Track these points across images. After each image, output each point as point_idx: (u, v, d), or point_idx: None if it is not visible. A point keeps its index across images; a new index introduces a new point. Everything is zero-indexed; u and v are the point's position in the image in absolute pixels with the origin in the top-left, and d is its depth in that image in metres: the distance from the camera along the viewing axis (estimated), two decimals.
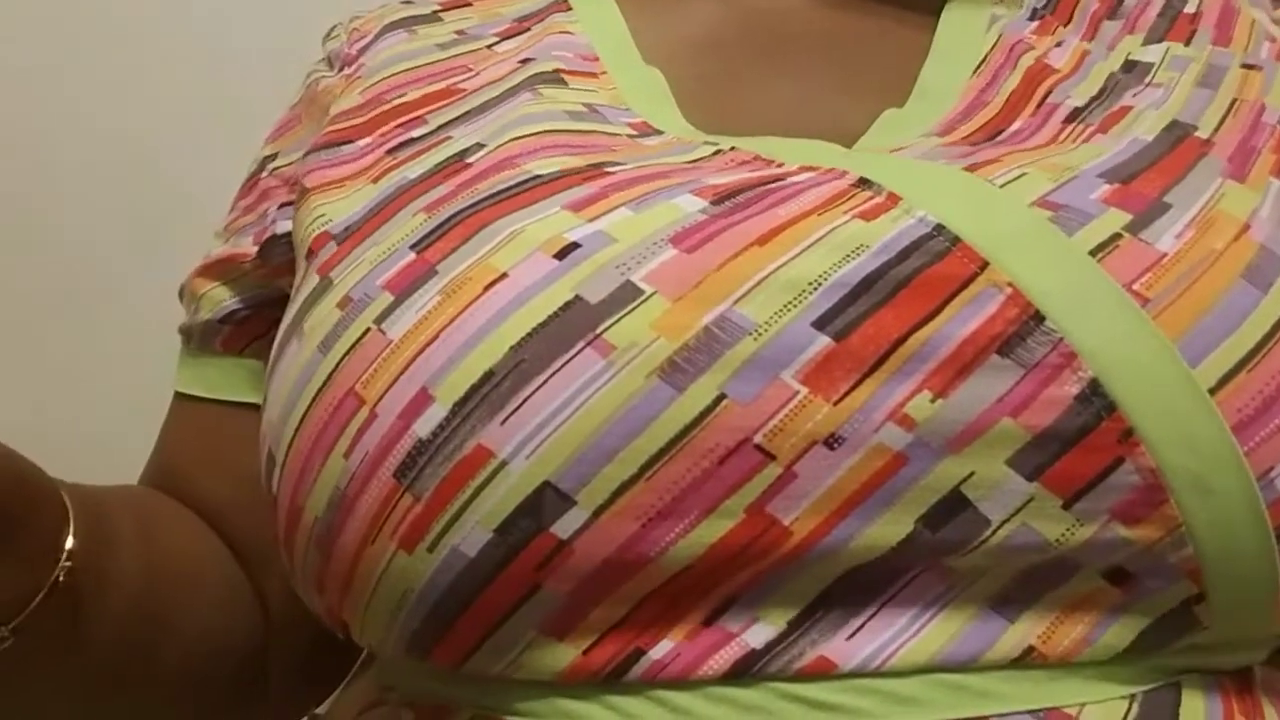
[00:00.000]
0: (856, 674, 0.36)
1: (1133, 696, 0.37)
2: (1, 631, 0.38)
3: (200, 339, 0.54)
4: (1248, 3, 0.49)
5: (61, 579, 0.40)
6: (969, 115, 0.45)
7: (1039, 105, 0.45)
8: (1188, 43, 0.47)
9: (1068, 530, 0.35)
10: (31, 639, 0.39)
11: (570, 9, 0.54)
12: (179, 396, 0.55)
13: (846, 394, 0.34)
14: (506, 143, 0.44)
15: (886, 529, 0.35)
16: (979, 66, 0.48)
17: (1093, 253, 0.36)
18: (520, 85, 0.48)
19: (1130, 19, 0.49)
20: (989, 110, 0.45)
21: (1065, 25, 0.50)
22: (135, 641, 0.45)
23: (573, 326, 0.35)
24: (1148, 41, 0.48)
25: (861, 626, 0.36)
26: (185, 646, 0.48)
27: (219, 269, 0.53)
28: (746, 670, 0.36)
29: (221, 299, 0.53)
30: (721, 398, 0.34)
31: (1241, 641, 0.38)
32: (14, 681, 0.41)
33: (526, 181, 0.41)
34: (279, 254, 0.51)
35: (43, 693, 0.44)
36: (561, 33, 0.52)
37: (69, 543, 0.40)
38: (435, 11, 0.55)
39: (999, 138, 0.43)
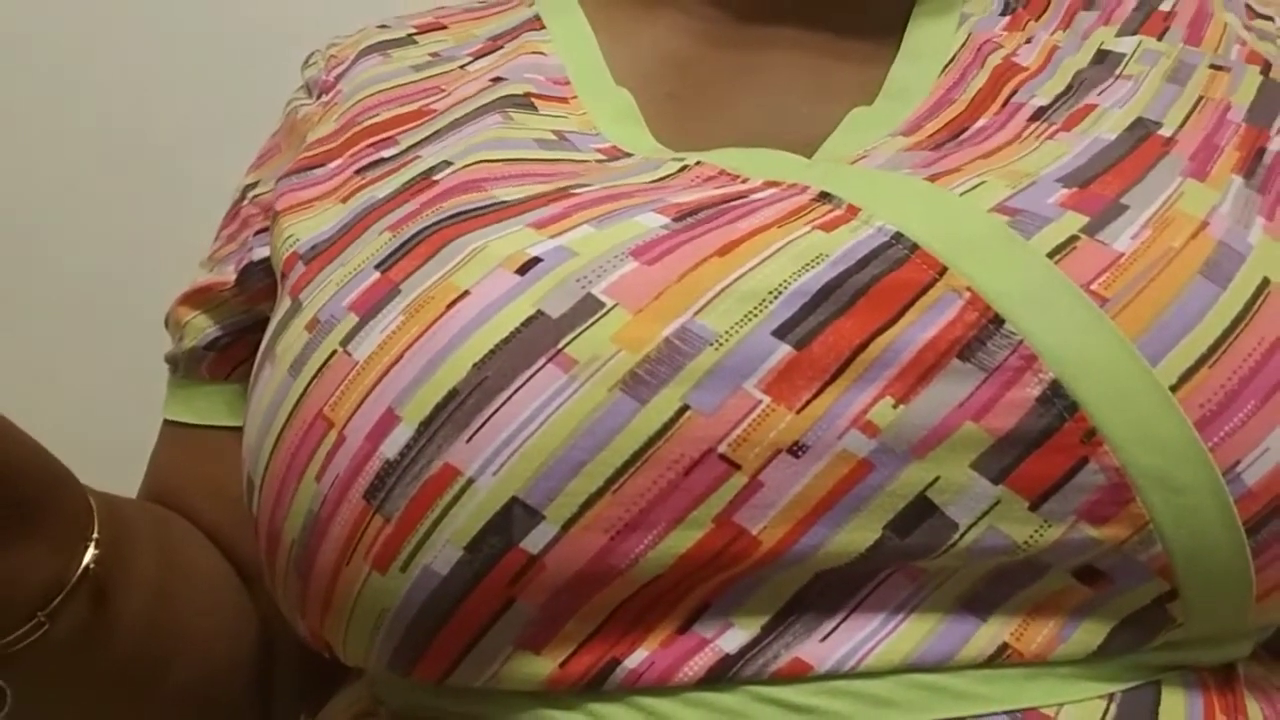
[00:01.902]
0: (831, 675, 0.36)
1: (1111, 696, 0.37)
2: (38, 617, 0.39)
3: (186, 367, 0.54)
4: (1221, 6, 0.50)
5: (92, 566, 0.40)
6: (935, 113, 0.46)
7: (1004, 104, 0.45)
8: (1160, 37, 0.48)
9: (1036, 532, 0.35)
10: (61, 630, 0.39)
11: (543, 27, 0.54)
12: (168, 424, 0.56)
13: (809, 402, 0.35)
14: (474, 164, 0.44)
15: (854, 535, 0.35)
16: (947, 65, 0.48)
17: (1050, 255, 0.36)
18: (491, 105, 0.48)
19: (1106, 10, 0.49)
20: (955, 108, 0.46)
21: (1037, 20, 0.50)
22: (152, 645, 0.45)
23: (534, 342, 0.35)
24: (1121, 33, 0.48)
25: (835, 628, 0.36)
26: (199, 654, 0.48)
27: (199, 297, 0.54)
28: (722, 675, 0.36)
29: (204, 327, 0.53)
30: (685, 409, 0.35)
31: (1220, 636, 0.38)
32: (39, 680, 0.41)
33: (492, 205, 0.41)
34: (257, 280, 0.51)
35: (64, 696, 0.44)
36: (534, 53, 0.52)
37: (95, 533, 0.41)
38: (410, 34, 0.56)
39: (962, 136, 0.44)
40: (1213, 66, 0.46)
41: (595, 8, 0.54)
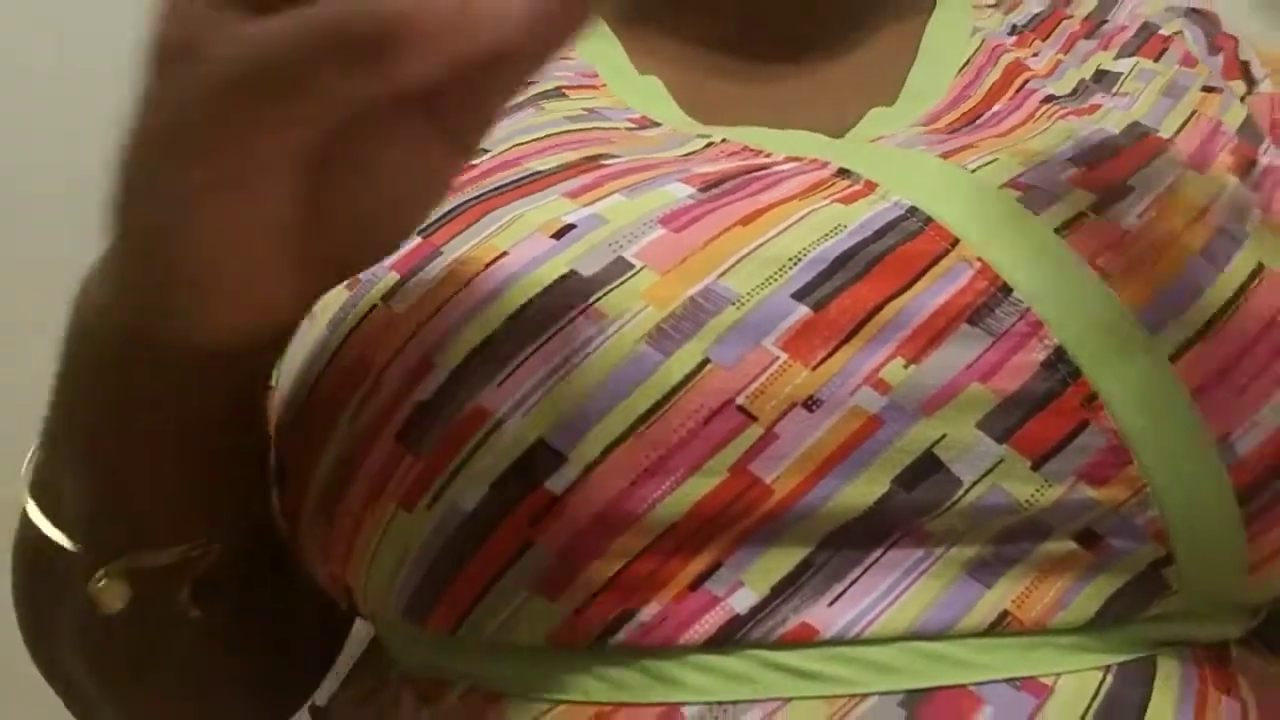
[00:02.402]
0: (836, 641, 0.37)
1: (1108, 668, 0.38)
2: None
3: None
4: (1202, 56, 0.52)
5: None
6: (953, 108, 0.48)
7: (1017, 91, 0.48)
8: (1157, 59, 0.50)
9: (1037, 491, 0.37)
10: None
11: None
12: None
13: (824, 360, 0.36)
14: (510, 148, 0.46)
15: (863, 488, 0.37)
16: (963, 67, 0.51)
17: (1058, 230, 0.38)
18: (523, 103, 0.51)
19: (1106, 38, 0.52)
20: (970, 102, 0.48)
21: (1043, 40, 0.53)
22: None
23: (567, 297, 0.37)
24: (1119, 56, 0.51)
25: (843, 593, 0.37)
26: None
27: None
28: (730, 637, 0.37)
29: None
30: (706, 362, 0.36)
31: (1214, 611, 0.40)
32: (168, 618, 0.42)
33: (527, 176, 0.43)
34: None
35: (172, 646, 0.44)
36: (560, 58, 0.55)
37: None
38: None
39: (977, 121, 0.46)
40: (1205, 89, 0.49)
41: (619, 23, 0.56)
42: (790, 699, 0.37)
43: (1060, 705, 0.37)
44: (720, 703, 0.37)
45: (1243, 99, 0.49)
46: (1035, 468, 0.36)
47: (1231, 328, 0.37)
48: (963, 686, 0.37)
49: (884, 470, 0.37)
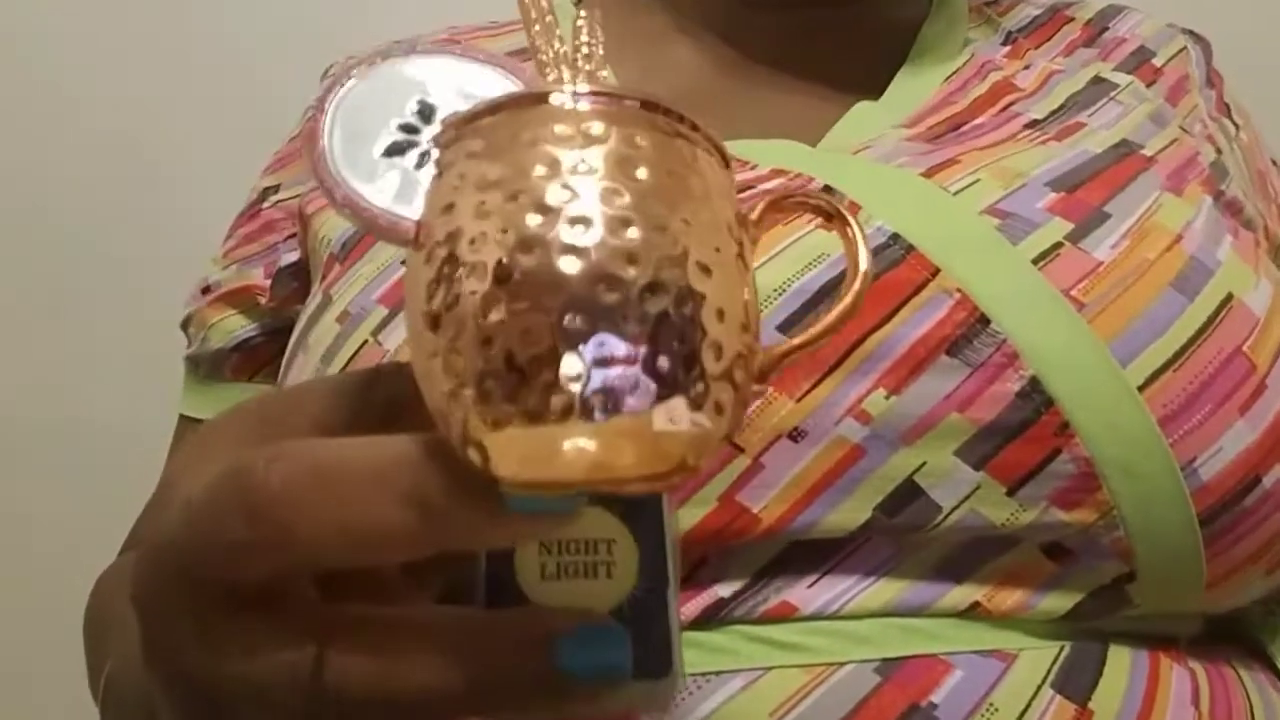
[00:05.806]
0: (815, 617, 0.38)
1: (1064, 645, 0.39)
2: None
3: (210, 367, 0.56)
4: (1196, 88, 0.54)
5: None
6: (936, 111, 0.49)
7: (1001, 110, 0.49)
8: (1149, 86, 0.52)
9: (1012, 515, 0.38)
10: None
11: None
12: (187, 420, 0.57)
13: (808, 392, 0.38)
14: None
15: (847, 515, 0.38)
16: (950, 76, 0.52)
17: (1035, 261, 0.39)
18: None
19: (1105, 49, 0.53)
20: (954, 108, 0.49)
21: (1037, 49, 0.53)
22: None
23: None
24: (1118, 70, 0.52)
25: (821, 578, 0.39)
26: None
27: (232, 299, 0.56)
28: (715, 615, 0.38)
29: (233, 329, 0.56)
30: None
31: (1170, 617, 0.42)
32: None
33: None
34: (285, 285, 0.54)
35: None
36: None
37: None
38: None
39: (960, 130, 0.47)
40: (1181, 128, 0.50)
41: (609, 36, 0.56)
42: (771, 668, 0.38)
43: (1024, 669, 0.38)
44: (705, 673, 0.38)
45: (1231, 141, 0.50)
46: (1010, 493, 0.38)
47: (1198, 359, 0.39)
48: (934, 655, 0.38)
49: (867, 497, 0.38)
